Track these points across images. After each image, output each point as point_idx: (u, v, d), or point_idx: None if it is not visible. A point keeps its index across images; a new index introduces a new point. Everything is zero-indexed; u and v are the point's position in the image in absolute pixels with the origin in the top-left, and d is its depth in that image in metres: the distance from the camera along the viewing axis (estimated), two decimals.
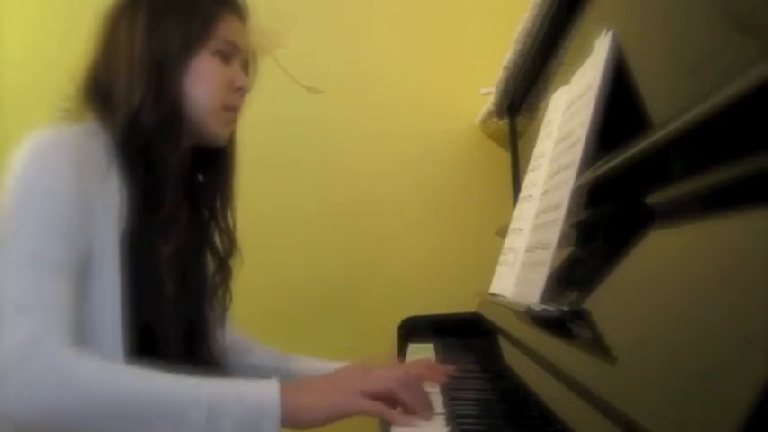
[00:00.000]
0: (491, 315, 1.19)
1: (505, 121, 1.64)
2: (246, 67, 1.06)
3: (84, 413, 0.74)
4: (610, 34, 0.75)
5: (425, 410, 0.81)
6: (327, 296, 1.83)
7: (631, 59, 0.72)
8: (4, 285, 0.80)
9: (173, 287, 0.97)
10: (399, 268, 1.84)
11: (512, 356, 0.94)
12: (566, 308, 0.66)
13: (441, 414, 0.81)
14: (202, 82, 0.97)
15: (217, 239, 1.08)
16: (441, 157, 1.86)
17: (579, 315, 0.62)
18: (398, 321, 1.60)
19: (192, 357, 0.99)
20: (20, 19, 1.98)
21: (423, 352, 1.29)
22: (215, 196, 1.07)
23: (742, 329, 0.36)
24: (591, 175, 0.73)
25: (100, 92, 0.95)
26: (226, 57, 0.99)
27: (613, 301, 0.61)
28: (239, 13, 1.02)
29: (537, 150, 1.02)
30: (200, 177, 1.08)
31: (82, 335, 0.83)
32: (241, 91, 1.02)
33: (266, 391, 0.78)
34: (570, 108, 0.85)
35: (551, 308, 0.68)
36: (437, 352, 1.29)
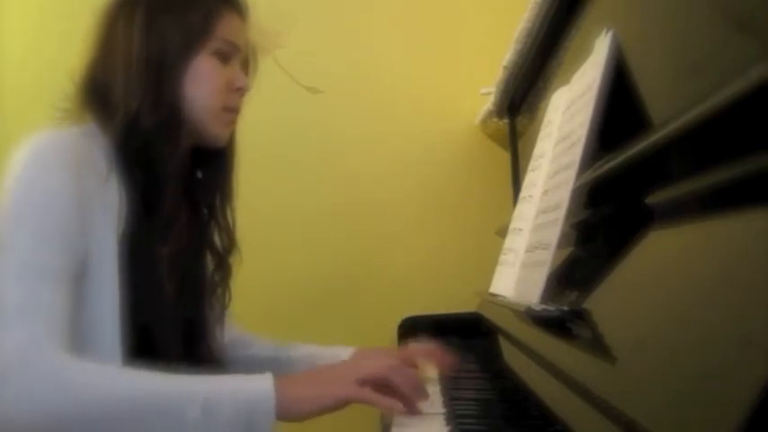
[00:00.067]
0: (491, 315, 1.19)
1: (505, 121, 1.64)
2: (246, 65, 1.05)
3: (81, 417, 0.74)
4: (610, 34, 0.75)
5: (419, 396, 0.82)
6: (327, 296, 1.83)
7: (631, 59, 0.72)
8: (1, 289, 0.80)
9: (172, 288, 0.96)
10: (399, 268, 1.84)
11: (512, 356, 0.94)
12: (566, 308, 0.66)
13: (441, 414, 0.82)
14: (202, 83, 0.96)
15: (216, 237, 1.08)
16: (441, 157, 1.86)
17: (579, 315, 0.62)
18: (398, 321, 1.60)
19: (191, 357, 0.99)
20: (20, 19, 1.98)
21: None
22: (214, 194, 1.07)
23: (742, 329, 0.36)
24: (591, 175, 0.73)
25: (98, 92, 0.95)
26: (225, 57, 0.98)
27: (613, 301, 0.61)
28: (239, 10, 1.01)
29: (537, 150, 1.02)
30: (200, 174, 1.07)
31: (80, 336, 0.83)
32: (241, 91, 1.01)
33: (260, 385, 0.79)
34: (570, 108, 0.85)
35: (551, 308, 0.68)
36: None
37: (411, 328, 1.57)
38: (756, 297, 0.37)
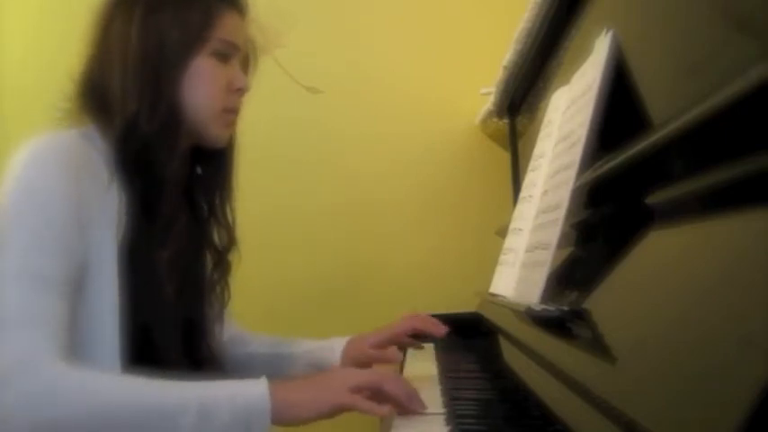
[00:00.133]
0: (491, 315, 1.19)
1: (505, 121, 1.64)
2: (246, 64, 1.04)
3: (77, 425, 0.74)
4: (610, 34, 0.75)
5: (415, 404, 0.82)
6: (327, 296, 1.83)
7: (631, 59, 0.72)
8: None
9: (172, 288, 0.96)
10: (399, 268, 1.85)
11: (512, 356, 0.94)
12: (566, 308, 0.66)
13: (441, 414, 0.81)
14: (201, 84, 0.95)
15: (215, 235, 1.08)
16: (441, 157, 1.86)
17: (579, 315, 0.62)
18: None
19: (191, 356, 0.99)
20: (20, 19, 1.98)
21: (423, 352, 1.29)
22: (214, 192, 1.06)
23: (742, 329, 0.36)
24: (591, 175, 0.73)
25: (96, 93, 0.94)
26: (225, 57, 0.97)
27: (613, 301, 0.61)
28: (239, 9, 1.00)
29: (537, 150, 1.02)
30: (199, 170, 1.06)
31: (80, 339, 0.83)
32: (240, 91, 1.00)
33: (255, 390, 0.79)
34: (570, 108, 0.85)
35: (551, 308, 0.68)
36: (437, 352, 1.29)
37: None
38: (756, 297, 0.37)
